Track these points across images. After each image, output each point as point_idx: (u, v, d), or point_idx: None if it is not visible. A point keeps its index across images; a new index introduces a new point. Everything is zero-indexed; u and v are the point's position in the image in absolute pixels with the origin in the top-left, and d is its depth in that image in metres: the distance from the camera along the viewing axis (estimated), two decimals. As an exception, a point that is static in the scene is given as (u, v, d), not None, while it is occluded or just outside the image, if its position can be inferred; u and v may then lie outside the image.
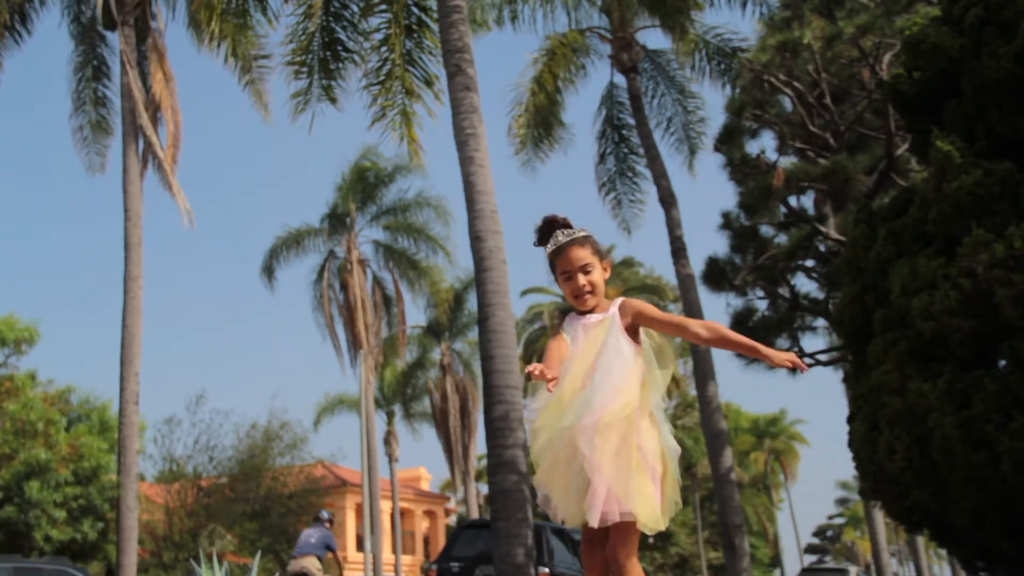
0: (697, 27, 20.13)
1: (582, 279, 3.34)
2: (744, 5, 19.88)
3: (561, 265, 3.39)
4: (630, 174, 22.19)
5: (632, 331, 3.30)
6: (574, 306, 3.43)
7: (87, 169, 21.49)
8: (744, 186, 17.96)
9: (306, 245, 30.08)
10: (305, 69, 15.02)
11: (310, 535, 12.83)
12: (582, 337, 3.35)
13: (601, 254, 3.41)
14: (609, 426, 3.10)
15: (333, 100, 15.16)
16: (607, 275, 3.42)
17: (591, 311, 3.39)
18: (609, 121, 22.21)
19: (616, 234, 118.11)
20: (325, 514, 13.23)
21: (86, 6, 20.82)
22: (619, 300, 3.39)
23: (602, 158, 22.28)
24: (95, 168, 21.27)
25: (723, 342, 3.17)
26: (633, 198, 22.17)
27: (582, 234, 3.39)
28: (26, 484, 23.48)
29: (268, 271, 29.63)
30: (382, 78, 14.82)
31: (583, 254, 3.36)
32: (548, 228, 3.41)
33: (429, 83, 14.84)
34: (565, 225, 3.41)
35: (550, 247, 3.42)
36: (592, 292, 3.36)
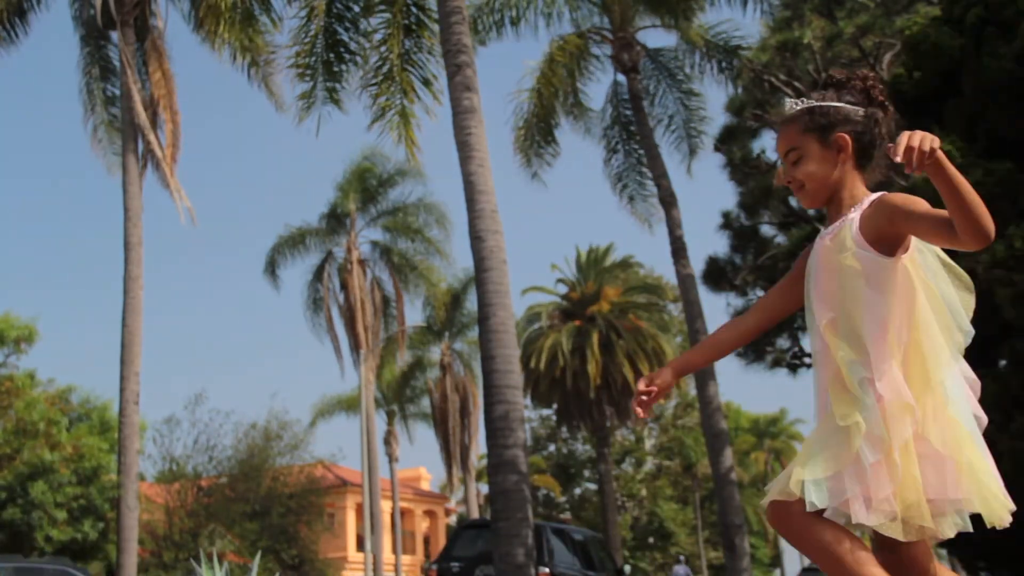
0: (698, 25, 20.14)
1: (785, 172, 2.49)
2: (745, 4, 19.88)
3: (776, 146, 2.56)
4: (640, 169, 22.23)
5: (891, 239, 2.31)
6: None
7: (107, 170, 21.28)
8: (744, 186, 17.97)
9: (307, 244, 30.10)
10: (309, 71, 15.04)
11: None
12: (820, 267, 2.42)
13: (827, 129, 2.43)
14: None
15: (337, 102, 15.18)
16: (844, 158, 2.42)
17: (829, 217, 2.46)
18: (616, 119, 22.25)
19: (619, 233, 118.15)
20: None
21: (89, 6, 20.82)
22: (876, 195, 2.41)
23: (611, 154, 22.37)
24: (113, 168, 21.04)
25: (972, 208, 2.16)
26: (646, 191, 22.22)
27: (799, 107, 2.47)
28: (30, 485, 23.48)
29: (271, 271, 29.65)
30: (381, 78, 14.84)
31: (788, 136, 2.46)
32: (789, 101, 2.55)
33: (428, 83, 14.86)
34: (806, 94, 2.53)
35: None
36: (802, 188, 2.45)
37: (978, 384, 2.41)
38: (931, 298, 2.36)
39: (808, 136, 2.42)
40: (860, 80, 2.47)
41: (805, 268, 2.50)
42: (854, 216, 2.36)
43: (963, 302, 2.41)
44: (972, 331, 2.39)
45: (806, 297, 2.47)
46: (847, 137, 2.41)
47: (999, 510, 2.29)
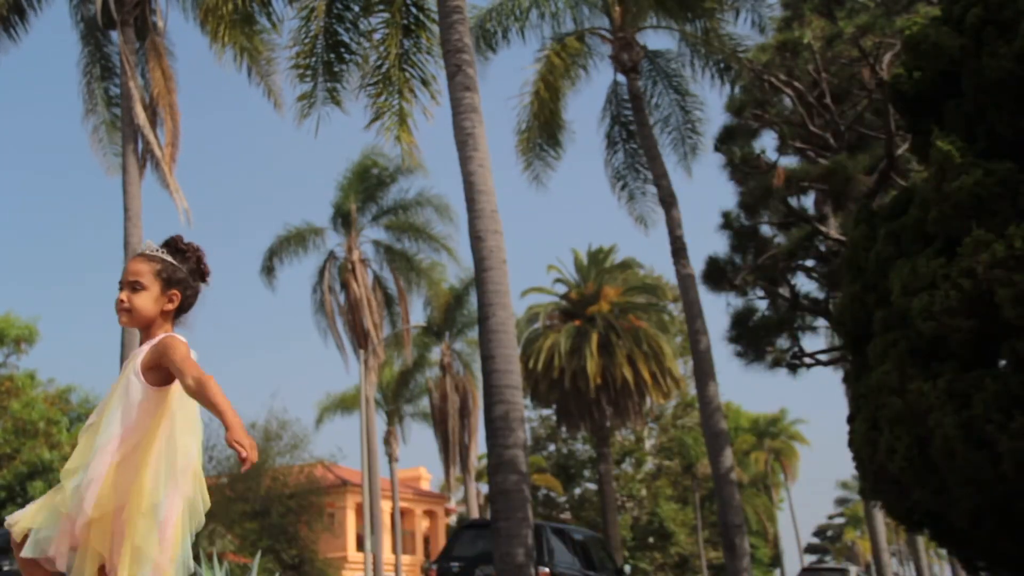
0: (697, 28, 20.18)
1: (124, 293, 3.01)
2: (737, 14, 19.98)
3: (122, 274, 3.09)
4: (639, 169, 22.29)
5: (160, 369, 2.94)
6: None
7: (106, 170, 21.31)
8: (744, 186, 17.96)
9: (307, 244, 30.10)
10: (309, 72, 15.04)
11: None
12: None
13: (170, 283, 3.04)
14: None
15: (338, 103, 15.18)
16: (168, 307, 3.04)
17: (143, 340, 3.06)
18: (616, 118, 22.30)
19: (619, 234, 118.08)
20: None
21: (89, 5, 20.80)
22: (160, 336, 3.01)
23: (611, 154, 22.43)
24: (113, 168, 21.09)
25: (202, 399, 2.77)
26: (645, 192, 22.30)
27: (158, 253, 3.06)
28: (29, 484, 23.49)
29: (268, 270, 29.64)
30: (379, 78, 14.84)
31: (140, 269, 3.02)
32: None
33: (426, 83, 14.86)
34: (167, 243, 3.11)
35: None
36: (128, 311, 3.01)
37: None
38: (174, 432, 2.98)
39: (157, 279, 3.03)
40: (195, 255, 3.11)
41: None
42: (144, 349, 2.99)
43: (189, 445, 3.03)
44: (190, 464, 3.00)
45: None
46: (178, 295, 3.06)
47: None
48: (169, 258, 3.07)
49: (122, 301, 3.03)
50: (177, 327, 3.12)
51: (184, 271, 3.08)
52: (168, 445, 2.94)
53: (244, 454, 2.61)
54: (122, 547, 2.81)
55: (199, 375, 2.76)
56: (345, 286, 29.36)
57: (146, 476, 2.87)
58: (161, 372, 2.94)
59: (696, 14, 19.19)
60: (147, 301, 3.03)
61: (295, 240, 29.87)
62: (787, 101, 17.87)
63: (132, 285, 3.03)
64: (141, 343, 3.06)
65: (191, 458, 2.98)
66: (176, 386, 2.96)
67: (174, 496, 2.90)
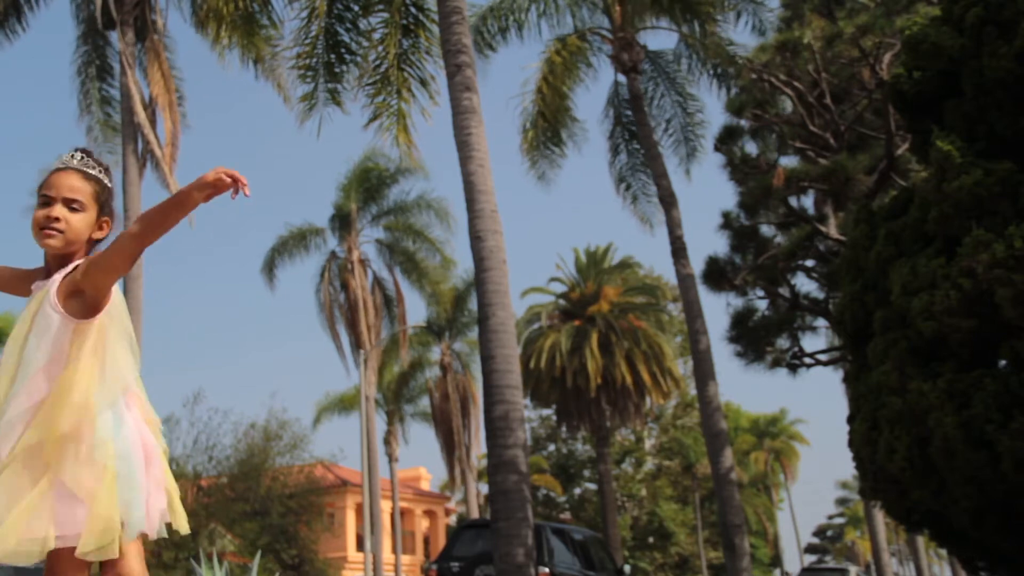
0: (694, 30, 20.20)
1: (59, 210, 2.59)
2: (738, 16, 20.00)
3: (46, 185, 2.63)
4: (642, 169, 22.32)
5: (83, 295, 2.56)
6: (39, 245, 2.65)
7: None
8: (744, 186, 17.96)
9: (307, 244, 30.12)
10: (311, 73, 15.04)
11: None
12: (27, 304, 2.66)
13: (103, 208, 2.67)
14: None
15: (339, 103, 15.18)
16: (98, 235, 2.67)
17: (56, 268, 2.63)
18: (617, 119, 22.33)
19: (619, 234, 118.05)
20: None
21: (89, 5, 20.80)
22: (81, 260, 2.62)
23: (614, 155, 22.46)
24: (109, 168, 21.16)
25: (153, 222, 2.47)
26: (649, 192, 22.34)
27: (95, 171, 2.68)
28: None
29: (268, 270, 29.65)
30: (377, 78, 14.84)
31: (80, 186, 2.62)
32: (76, 151, 2.70)
33: (425, 83, 14.86)
34: (91, 156, 2.70)
35: (55, 163, 2.68)
36: (60, 233, 2.59)
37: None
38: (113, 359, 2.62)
39: (94, 202, 2.65)
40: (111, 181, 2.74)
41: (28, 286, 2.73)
42: (57, 278, 2.60)
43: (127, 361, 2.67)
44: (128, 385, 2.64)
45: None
46: (109, 224, 2.70)
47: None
48: (107, 180, 2.70)
49: (58, 219, 2.58)
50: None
51: (111, 190, 2.73)
52: (104, 373, 2.55)
53: (228, 180, 2.39)
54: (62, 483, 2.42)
55: (130, 230, 2.46)
56: (345, 286, 29.38)
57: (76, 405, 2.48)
58: (83, 300, 2.55)
59: (693, 16, 19.21)
60: (84, 224, 2.63)
61: (296, 240, 29.90)
62: (787, 101, 17.87)
63: (69, 203, 2.61)
64: (49, 273, 2.63)
65: (128, 382, 2.62)
66: (104, 319, 2.58)
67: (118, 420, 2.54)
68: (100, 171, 2.69)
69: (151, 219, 2.47)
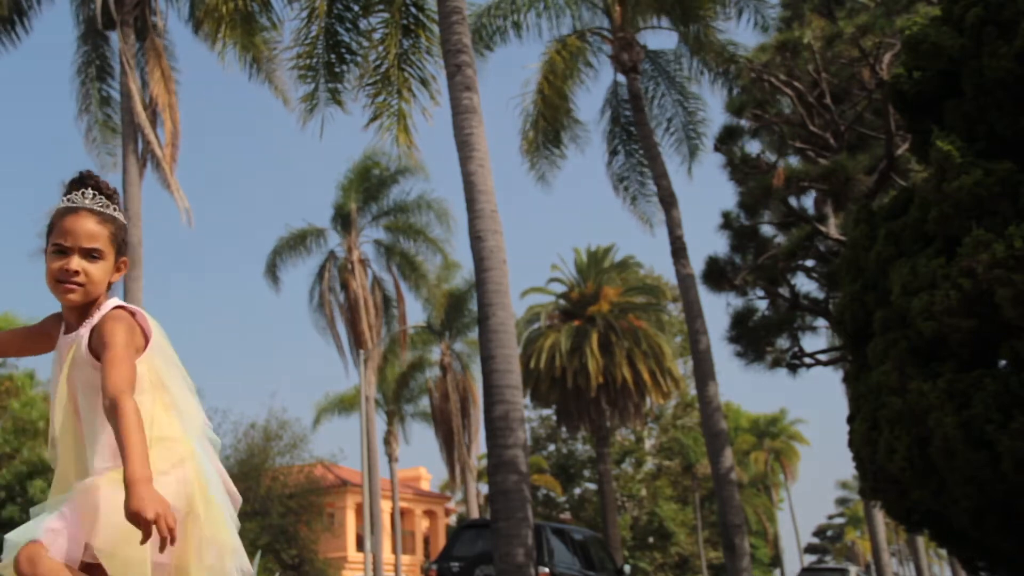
0: (692, 32, 20.21)
1: (76, 262, 2.37)
2: (740, 14, 20.00)
3: (60, 233, 2.39)
4: (641, 170, 22.31)
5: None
6: (55, 297, 2.44)
7: (99, 170, 21.35)
8: (744, 186, 17.95)
9: (308, 245, 30.13)
10: (311, 73, 15.04)
11: None
12: (56, 361, 2.49)
13: (122, 249, 2.47)
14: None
15: (340, 103, 15.18)
16: (118, 276, 2.48)
17: (76, 320, 2.45)
18: (616, 119, 22.31)
19: (619, 234, 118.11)
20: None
21: (89, 5, 20.80)
22: (112, 305, 2.43)
23: (612, 156, 22.45)
24: (107, 168, 21.17)
25: (112, 424, 2.20)
26: (647, 192, 22.33)
27: (111, 211, 2.44)
28: (29, 483, 23.50)
29: (272, 272, 29.66)
30: (377, 78, 14.84)
31: (98, 231, 2.40)
32: (81, 182, 2.45)
33: (425, 83, 14.86)
34: (101, 190, 2.46)
35: (64, 202, 2.43)
36: (83, 285, 2.39)
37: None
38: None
39: (112, 246, 2.44)
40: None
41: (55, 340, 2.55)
42: (84, 334, 2.41)
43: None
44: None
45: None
46: (127, 264, 2.51)
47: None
48: (121, 216, 2.49)
49: (78, 272, 2.38)
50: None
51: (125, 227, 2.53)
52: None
53: (145, 529, 2.01)
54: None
55: (118, 393, 2.19)
56: (345, 286, 29.38)
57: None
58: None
59: (691, 19, 19.21)
60: (104, 274, 2.42)
61: (297, 241, 29.91)
62: (787, 101, 17.87)
63: (87, 253, 2.39)
64: (72, 325, 2.46)
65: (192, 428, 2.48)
66: (148, 357, 2.41)
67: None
68: (115, 209, 2.46)
69: (111, 418, 2.20)
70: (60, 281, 2.39)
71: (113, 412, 2.16)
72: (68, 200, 2.43)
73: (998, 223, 8.84)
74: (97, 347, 2.35)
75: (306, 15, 14.89)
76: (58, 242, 2.39)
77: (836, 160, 15.90)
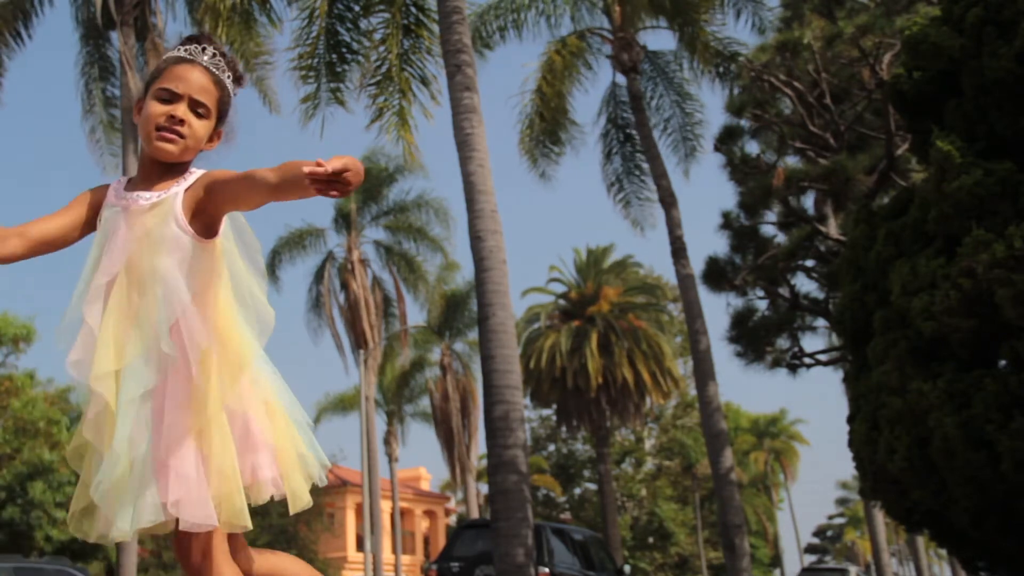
0: (689, 33, 20.21)
1: (184, 110, 2.19)
2: (738, 15, 20.01)
3: (171, 78, 2.21)
4: (637, 172, 22.30)
5: (204, 215, 2.17)
6: (147, 147, 2.22)
7: (103, 170, 21.35)
8: (744, 186, 17.96)
9: (307, 245, 30.13)
10: (312, 73, 15.05)
11: None
12: (124, 232, 2.17)
13: (223, 118, 2.30)
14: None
15: (341, 103, 15.19)
16: (211, 147, 2.30)
17: (155, 181, 2.21)
18: (613, 121, 22.29)
19: (619, 234, 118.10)
20: None
21: (89, 6, 20.80)
22: (199, 172, 2.23)
23: (608, 158, 22.42)
24: (110, 168, 21.16)
25: (287, 183, 1.98)
26: (641, 196, 22.32)
27: (225, 76, 2.27)
28: (29, 484, 23.49)
29: (271, 271, 29.64)
30: (379, 78, 14.85)
31: (211, 88, 2.23)
32: (198, 40, 2.27)
33: (426, 83, 14.87)
34: (223, 55, 2.28)
35: (181, 51, 2.25)
36: (185, 138, 2.20)
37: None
38: (238, 285, 2.26)
39: (215, 110, 2.25)
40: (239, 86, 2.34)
41: (100, 211, 2.25)
42: (178, 190, 2.19)
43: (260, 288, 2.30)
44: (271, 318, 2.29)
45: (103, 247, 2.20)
46: (222, 136, 2.32)
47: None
48: (232, 86, 2.29)
49: (183, 122, 2.19)
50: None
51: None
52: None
53: (343, 168, 1.91)
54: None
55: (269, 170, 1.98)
56: (345, 286, 29.37)
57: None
58: (206, 221, 2.17)
59: (687, 21, 19.21)
60: (205, 134, 2.25)
61: (296, 241, 29.91)
62: (787, 101, 17.88)
63: (195, 106, 2.21)
64: (145, 186, 2.21)
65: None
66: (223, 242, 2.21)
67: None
68: (229, 78, 2.28)
69: (289, 179, 1.97)
70: (161, 129, 2.18)
71: (277, 172, 1.96)
72: (186, 51, 2.25)
73: (998, 223, 8.84)
74: (197, 199, 2.14)
75: (307, 15, 14.90)
76: (167, 86, 2.19)
77: (836, 160, 15.90)
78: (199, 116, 2.21)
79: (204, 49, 2.24)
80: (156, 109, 2.18)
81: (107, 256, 2.16)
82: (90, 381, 2.08)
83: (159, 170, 2.23)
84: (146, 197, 2.19)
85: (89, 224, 2.26)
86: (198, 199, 2.16)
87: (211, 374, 2.11)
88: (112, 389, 2.07)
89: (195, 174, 2.22)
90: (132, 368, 2.07)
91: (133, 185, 2.24)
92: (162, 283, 2.10)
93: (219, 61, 2.25)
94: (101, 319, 2.12)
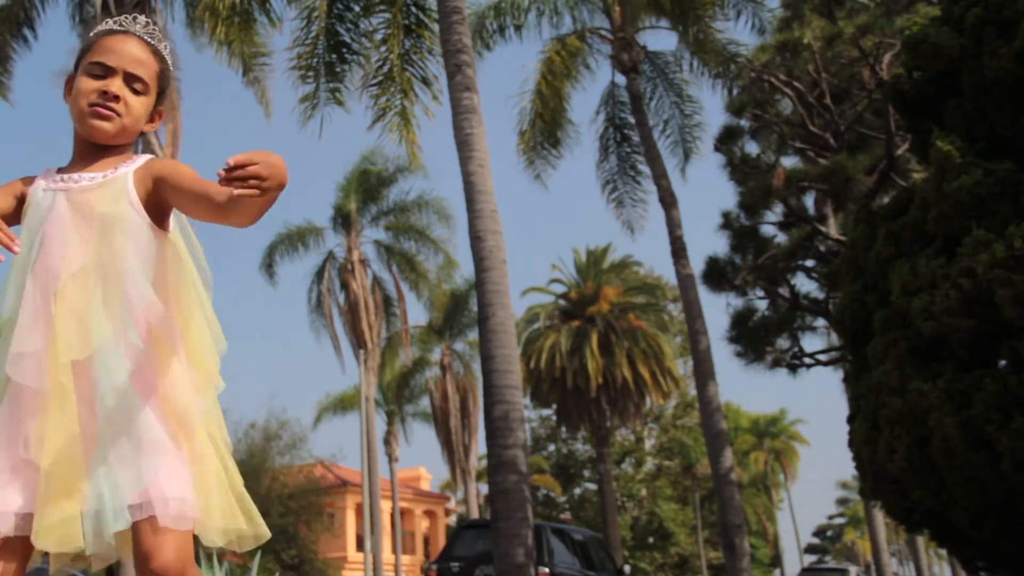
0: (691, 33, 20.22)
1: (118, 85, 2.00)
2: (738, 15, 20.02)
3: (101, 51, 2.02)
4: (632, 173, 22.29)
5: (153, 206, 1.98)
6: (79, 127, 2.03)
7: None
8: (744, 186, 17.97)
9: (307, 243, 30.13)
10: (311, 73, 15.06)
11: None
12: (65, 211, 1.96)
13: (163, 95, 2.11)
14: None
15: (340, 103, 15.20)
16: (151, 127, 2.12)
17: (93, 163, 2.02)
18: (611, 120, 22.28)
19: (617, 233, 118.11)
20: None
21: (89, 7, 20.77)
22: (147, 156, 2.04)
23: (604, 157, 22.40)
24: None
25: (241, 206, 1.85)
26: (635, 197, 22.31)
27: (163, 47, 2.09)
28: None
29: (268, 267, 29.63)
30: (381, 78, 14.86)
31: (148, 61, 2.03)
32: (132, 9, 2.20)
33: (427, 83, 14.87)
34: (154, 23, 2.11)
35: (111, 24, 2.07)
36: (121, 116, 2.00)
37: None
38: (198, 294, 2.11)
39: (155, 84, 2.06)
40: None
41: (27, 199, 2.01)
42: (127, 171, 2.00)
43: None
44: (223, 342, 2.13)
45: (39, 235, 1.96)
46: (162, 115, 2.15)
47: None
48: (170, 59, 2.12)
49: (118, 98, 2.00)
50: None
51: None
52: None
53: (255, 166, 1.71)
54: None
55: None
56: (345, 286, 29.38)
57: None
58: (154, 212, 1.98)
59: (689, 21, 19.23)
60: (144, 111, 2.06)
61: (295, 238, 29.90)
62: (787, 101, 17.89)
63: (131, 80, 2.02)
64: (84, 163, 2.02)
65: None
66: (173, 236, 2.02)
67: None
68: (166, 48, 2.10)
69: (237, 201, 1.84)
70: (94, 105, 2.00)
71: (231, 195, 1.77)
72: (115, 23, 2.06)
73: (998, 223, 8.84)
74: (160, 183, 1.95)
75: (306, 15, 14.91)
76: (98, 60, 2.00)
77: (836, 160, 15.90)
78: (136, 92, 2.02)
79: (135, 18, 2.07)
80: (88, 85, 1.99)
81: (51, 241, 1.94)
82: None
83: (94, 153, 2.04)
84: (89, 177, 2.00)
85: (14, 216, 2.04)
86: (147, 188, 1.98)
87: (180, 372, 1.99)
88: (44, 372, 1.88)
89: (140, 158, 2.05)
90: (101, 356, 1.89)
91: (67, 170, 2.04)
92: (126, 272, 1.92)
93: (153, 30, 2.07)
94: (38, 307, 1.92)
